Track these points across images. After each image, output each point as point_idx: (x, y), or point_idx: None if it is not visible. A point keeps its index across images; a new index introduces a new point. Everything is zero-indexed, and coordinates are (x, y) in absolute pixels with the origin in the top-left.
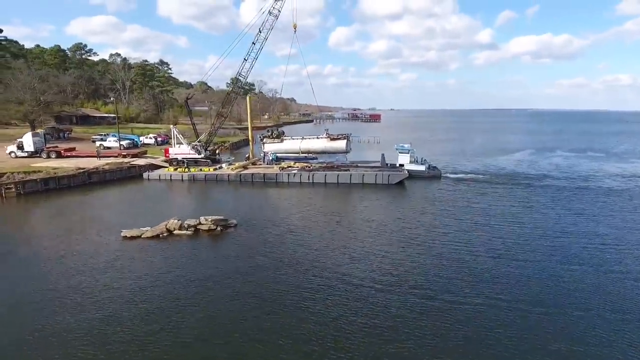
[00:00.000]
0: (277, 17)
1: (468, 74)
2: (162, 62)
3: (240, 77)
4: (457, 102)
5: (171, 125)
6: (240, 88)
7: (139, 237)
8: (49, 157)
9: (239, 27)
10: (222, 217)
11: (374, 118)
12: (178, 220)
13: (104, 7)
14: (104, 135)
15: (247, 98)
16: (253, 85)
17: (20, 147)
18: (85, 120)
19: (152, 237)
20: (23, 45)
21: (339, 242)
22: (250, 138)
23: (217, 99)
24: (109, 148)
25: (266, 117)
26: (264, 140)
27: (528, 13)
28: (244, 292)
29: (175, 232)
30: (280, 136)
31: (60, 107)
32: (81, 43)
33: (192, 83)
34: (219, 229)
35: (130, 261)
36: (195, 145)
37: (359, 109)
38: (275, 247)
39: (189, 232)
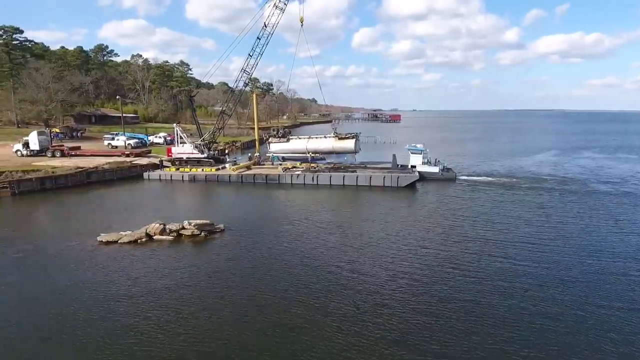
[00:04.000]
0: (284, 10)
1: (493, 75)
2: (182, 63)
3: (244, 73)
4: (481, 102)
5: (174, 124)
6: (256, 88)
7: (115, 242)
8: (53, 155)
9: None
10: (207, 222)
11: (394, 118)
12: (160, 224)
13: (135, 11)
14: (116, 134)
15: (254, 96)
16: (271, 85)
17: (26, 145)
18: (104, 119)
19: (130, 243)
20: (48, 47)
21: (330, 252)
22: (256, 138)
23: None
24: (116, 147)
25: (285, 117)
26: (270, 140)
27: (557, 11)
28: (200, 310)
29: (156, 237)
30: (286, 136)
31: (81, 106)
32: (102, 44)
33: (214, 84)
34: (203, 234)
35: (92, 269)
36: (198, 144)
37: (380, 110)
38: (258, 256)
39: (170, 237)
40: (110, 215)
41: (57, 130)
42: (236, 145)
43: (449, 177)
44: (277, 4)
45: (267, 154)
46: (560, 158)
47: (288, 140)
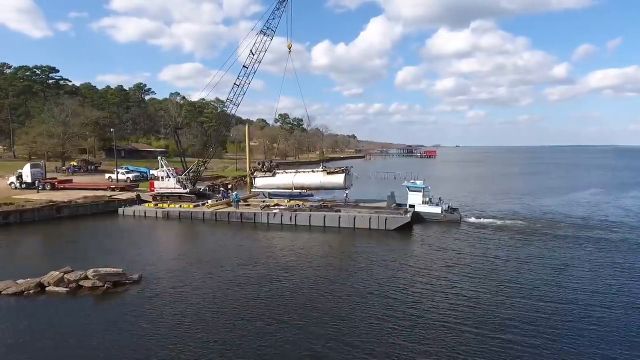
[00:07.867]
0: (272, 37)
1: (541, 110)
2: (218, 100)
3: (230, 102)
4: (528, 138)
5: (159, 157)
6: (286, 123)
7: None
8: (43, 188)
9: (309, 70)
10: (117, 270)
11: (429, 154)
12: (62, 272)
13: (193, 55)
14: (124, 167)
15: (246, 127)
16: (301, 120)
17: (20, 178)
18: (133, 154)
19: (15, 294)
20: (94, 86)
21: (258, 326)
22: (247, 173)
23: (270, 134)
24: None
25: (317, 153)
26: (255, 174)
27: (609, 46)
28: None
29: (49, 288)
30: (272, 169)
31: (119, 141)
32: (141, 83)
33: (254, 120)
34: (105, 285)
35: None
36: (181, 179)
37: (422, 146)
38: (156, 320)
39: (66, 289)
40: (36, 257)
41: (74, 164)
42: (244, 180)
43: (452, 219)
44: (264, 30)
45: (252, 190)
46: (600, 197)
47: (274, 174)
